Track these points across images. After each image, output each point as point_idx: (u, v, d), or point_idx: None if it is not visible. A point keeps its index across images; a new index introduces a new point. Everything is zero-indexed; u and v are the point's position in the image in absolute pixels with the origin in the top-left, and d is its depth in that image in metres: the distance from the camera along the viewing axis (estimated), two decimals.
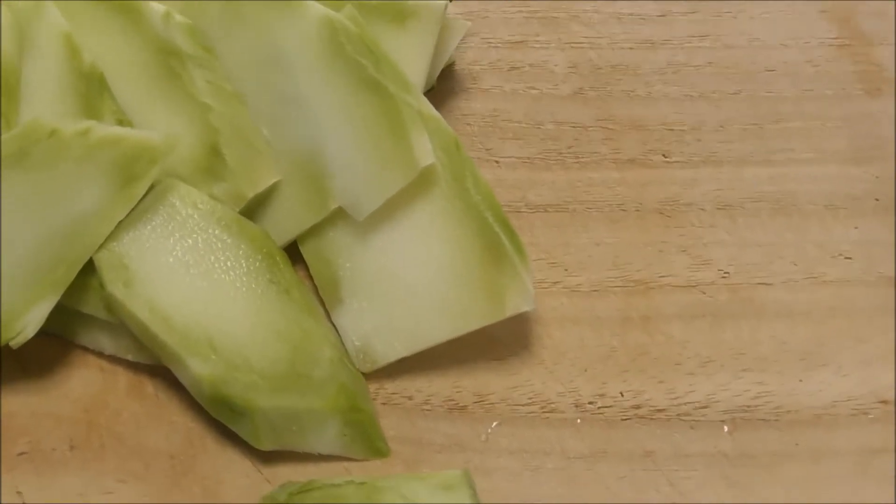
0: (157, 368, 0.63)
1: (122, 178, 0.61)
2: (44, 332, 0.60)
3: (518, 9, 0.79)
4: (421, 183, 0.64)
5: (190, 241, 0.62)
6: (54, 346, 0.64)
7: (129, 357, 0.63)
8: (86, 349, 0.64)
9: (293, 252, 0.66)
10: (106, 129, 0.61)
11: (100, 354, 0.64)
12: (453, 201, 0.64)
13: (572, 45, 0.78)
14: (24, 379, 0.63)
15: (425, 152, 0.63)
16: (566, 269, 0.69)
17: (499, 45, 0.78)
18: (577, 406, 0.65)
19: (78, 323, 0.64)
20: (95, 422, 0.62)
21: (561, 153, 0.73)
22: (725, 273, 0.70)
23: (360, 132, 0.64)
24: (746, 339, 0.67)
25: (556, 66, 0.77)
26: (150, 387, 0.63)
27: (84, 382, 0.63)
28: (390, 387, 0.64)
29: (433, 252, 0.64)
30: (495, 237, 0.63)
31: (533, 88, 0.76)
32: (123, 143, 0.61)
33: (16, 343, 0.59)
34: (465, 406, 0.64)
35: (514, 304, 0.63)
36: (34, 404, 0.62)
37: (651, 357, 0.67)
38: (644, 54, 0.78)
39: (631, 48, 0.79)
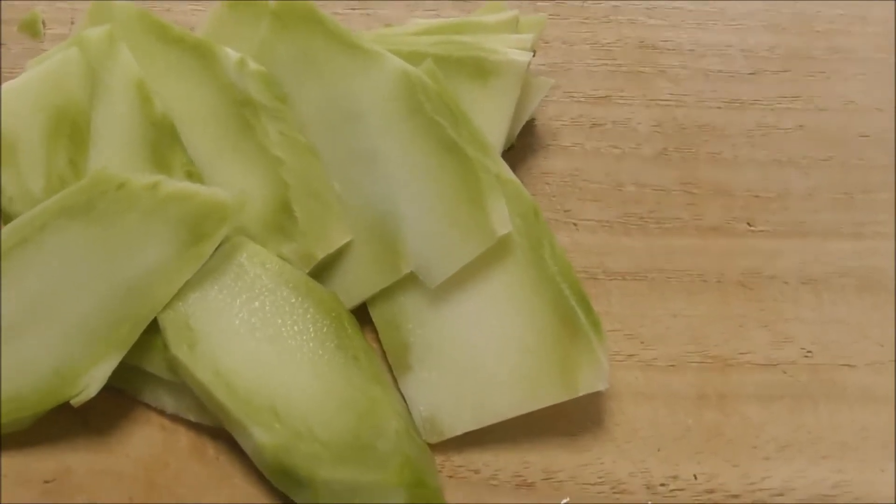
0: (219, 430, 0.62)
1: (191, 235, 0.60)
2: (106, 388, 0.59)
3: (603, 62, 0.77)
4: (496, 251, 0.62)
5: (257, 303, 0.61)
6: (117, 401, 0.63)
7: (191, 417, 0.62)
8: (148, 407, 0.63)
9: (361, 313, 0.65)
10: (176, 185, 0.60)
11: (162, 413, 0.63)
12: (529, 271, 0.62)
13: (657, 102, 0.76)
14: (86, 434, 0.62)
15: (503, 220, 0.61)
16: (642, 342, 0.67)
17: (581, 99, 0.76)
18: (648, 487, 0.63)
19: (141, 380, 0.63)
20: (155, 482, 0.61)
21: (642, 217, 0.71)
22: (808, 352, 0.67)
23: (436, 195, 0.62)
24: (826, 423, 0.65)
25: (639, 124, 0.75)
26: (211, 449, 0.62)
27: (145, 441, 0.62)
28: (457, 459, 0.63)
29: (506, 323, 0.62)
30: (571, 311, 0.62)
31: (615, 147, 0.74)
32: (193, 200, 0.60)
33: (77, 401, 0.58)
34: (533, 483, 0.62)
35: (588, 383, 0.61)
36: (94, 461, 0.61)
37: (726, 438, 0.64)
38: (731, 115, 0.76)
39: (718, 108, 0.76)
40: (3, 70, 0.73)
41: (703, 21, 0.80)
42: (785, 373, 0.66)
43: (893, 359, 0.67)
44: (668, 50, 0.78)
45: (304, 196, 0.64)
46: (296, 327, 0.61)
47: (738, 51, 0.79)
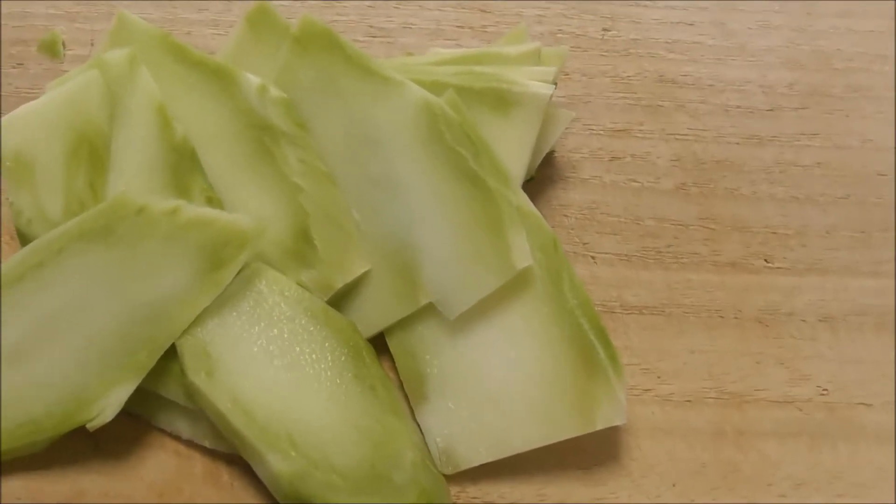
0: (234, 456, 0.61)
1: (210, 262, 0.60)
2: (121, 412, 0.59)
3: (622, 95, 0.77)
4: (516, 283, 0.62)
5: (275, 330, 0.61)
6: (131, 426, 0.62)
7: (207, 443, 0.62)
8: (163, 432, 0.63)
9: (379, 342, 0.65)
10: (195, 211, 0.60)
11: (177, 438, 0.63)
12: (548, 304, 0.62)
13: (676, 136, 0.76)
14: (98, 458, 0.62)
15: (523, 253, 0.61)
16: (659, 377, 0.67)
17: (601, 132, 0.75)
18: None
19: (156, 405, 0.62)
20: None
21: (660, 252, 0.71)
22: (824, 390, 0.67)
23: (456, 226, 0.62)
24: (843, 462, 0.65)
25: (658, 158, 0.75)
26: (225, 475, 0.62)
27: (159, 466, 0.62)
28: (472, 490, 0.63)
29: (524, 356, 0.62)
30: (590, 345, 0.61)
31: (634, 181, 0.74)
32: (213, 226, 0.60)
33: (93, 425, 0.58)
34: None
35: (606, 417, 0.61)
36: (108, 485, 0.61)
37: (742, 475, 0.64)
38: (750, 150, 0.76)
39: (737, 143, 0.76)
40: (22, 90, 0.73)
41: (722, 56, 0.80)
42: (801, 410, 0.66)
43: None
44: (688, 84, 0.78)
45: (323, 224, 0.64)
46: (314, 356, 0.61)
47: (758, 87, 0.79)
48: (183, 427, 0.62)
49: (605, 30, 0.80)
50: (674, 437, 0.65)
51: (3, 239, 0.68)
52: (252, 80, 0.65)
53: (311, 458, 0.58)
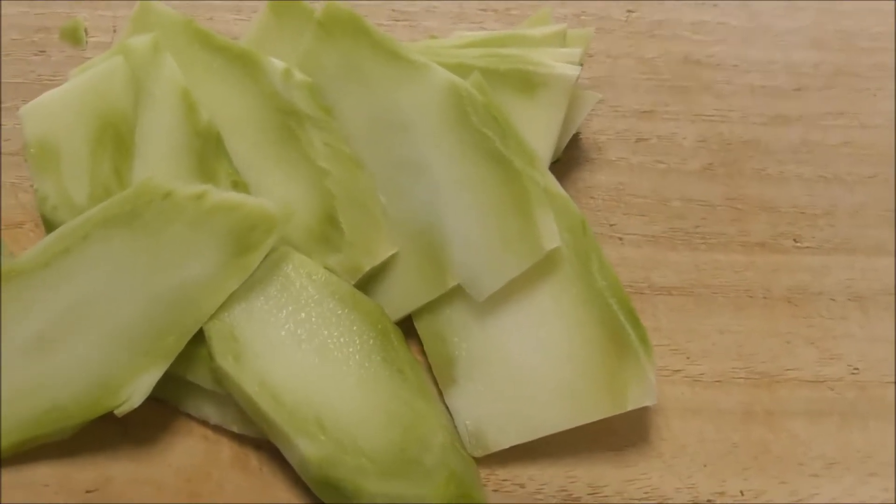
0: (262, 441, 0.61)
1: (237, 246, 0.60)
2: (148, 398, 0.58)
3: (647, 76, 0.77)
4: (544, 264, 0.62)
5: (303, 314, 0.60)
6: (159, 411, 0.62)
7: (235, 428, 0.62)
8: (190, 417, 0.62)
9: (406, 325, 0.64)
10: (222, 195, 0.60)
11: (204, 423, 0.62)
12: (577, 285, 0.62)
13: (703, 117, 0.75)
14: (126, 444, 0.61)
15: (551, 234, 0.61)
16: (688, 357, 0.66)
17: (626, 113, 0.75)
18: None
19: (184, 390, 0.62)
20: (197, 492, 0.60)
21: (688, 233, 0.71)
22: (855, 369, 0.67)
23: (483, 208, 0.62)
24: (875, 441, 0.65)
25: (684, 139, 0.74)
26: (254, 460, 0.62)
27: (187, 451, 0.62)
28: (502, 473, 0.62)
29: (553, 337, 0.62)
30: (619, 326, 0.61)
31: (660, 162, 0.73)
32: (239, 211, 0.60)
33: (121, 411, 0.58)
34: (579, 497, 0.62)
35: (636, 398, 0.60)
36: (135, 471, 0.61)
37: (773, 455, 0.64)
38: (777, 131, 0.75)
39: (763, 123, 0.76)
40: (44, 78, 0.73)
41: (747, 37, 0.79)
42: (832, 390, 0.66)
43: None
44: (713, 65, 0.78)
45: (349, 207, 0.63)
46: (342, 339, 0.60)
47: (783, 67, 0.78)
48: (211, 412, 0.62)
49: (629, 11, 0.80)
50: (704, 418, 0.65)
51: (28, 226, 0.67)
52: (277, 64, 0.65)
53: (340, 442, 0.57)
